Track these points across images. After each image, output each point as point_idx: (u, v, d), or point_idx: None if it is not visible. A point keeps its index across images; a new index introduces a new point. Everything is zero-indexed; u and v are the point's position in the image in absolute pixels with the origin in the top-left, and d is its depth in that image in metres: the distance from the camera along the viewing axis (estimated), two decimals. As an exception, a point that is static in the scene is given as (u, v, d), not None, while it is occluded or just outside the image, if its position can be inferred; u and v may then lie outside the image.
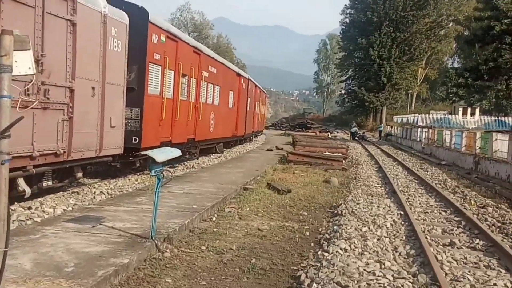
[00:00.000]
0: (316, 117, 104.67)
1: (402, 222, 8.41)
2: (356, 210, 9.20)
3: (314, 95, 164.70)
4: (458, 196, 12.50)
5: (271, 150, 24.60)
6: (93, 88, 8.20)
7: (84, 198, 8.61)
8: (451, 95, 40.47)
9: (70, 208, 7.71)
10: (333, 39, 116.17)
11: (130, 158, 10.70)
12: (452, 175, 18.12)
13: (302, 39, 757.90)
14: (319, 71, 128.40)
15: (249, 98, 25.18)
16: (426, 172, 18.60)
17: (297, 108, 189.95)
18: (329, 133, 53.23)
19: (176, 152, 6.34)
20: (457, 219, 9.12)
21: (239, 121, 22.36)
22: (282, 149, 25.66)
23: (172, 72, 12.36)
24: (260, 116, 33.17)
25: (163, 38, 11.25)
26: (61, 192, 8.87)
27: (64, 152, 7.52)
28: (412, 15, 61.95)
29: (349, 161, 22.00)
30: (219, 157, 19.27)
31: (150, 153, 5.90)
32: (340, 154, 19.58)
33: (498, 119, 54.93)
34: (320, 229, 8.01)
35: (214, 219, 8.12)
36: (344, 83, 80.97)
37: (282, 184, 12.37)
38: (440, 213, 9.84)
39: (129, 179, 11.51)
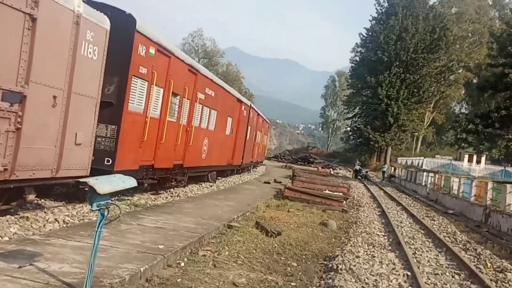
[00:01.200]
0: (320, 152, 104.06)
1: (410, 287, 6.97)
2: (354, 265, 7.76)
3: (320, 130, 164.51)
4: (470, 254, 11.03)
5: (269, 183, 23.24)
6: (54, 97, 6.94)
7: (31, 226, 7.22)
8: (459, 141, 39.12)
9: (7, 238, 6.33)
10: (342, 76, 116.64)
11: (101, 182, 9.34)
12: (461, 227, 16.63)
13: (311, 74, 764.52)
14: (326, 107, 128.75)
15: (249, 127, 23.95)
16: (432, 221, 17.12)
17: (301, 142, 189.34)
18: (331, 169, 51.88)
19: (128, 182, 4.98)
20: (474, 287, 7.66)
21: (236, 150, 21.06)
22: (280, 182, 24.30)
23: (161, 89, 11.15)
24: (261, 147, 31.89)
25: (152, 51, 10.07)
26: (8, 216, 7.50)
27: (6, 169, 6.20)
28: (423, 57, 61.36)
29: (350, 202, 20.57)
30: (210, 186, 17.88)
31: (91, 180, 4.57)
32: (341, 193, 18.17)
33: (505, 169, 53.53)
34: (309, 288, 6.59)
35: (183, 264, 6.71)
36: (350, 120, 79.96)
37: (273, 224, 10.99)
38: (453, 277, 8.38)
39: (99, 205, 10.13)
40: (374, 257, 8.87)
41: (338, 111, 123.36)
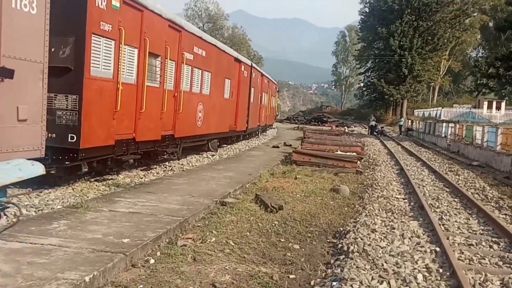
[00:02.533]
0: (334, 111, 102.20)
1: (440, 270, 5.52)
2: (369, 244, 6.33)
3: (333, 88, 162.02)
4: (506, 214, 9.53)
5: (277, 147, 21.78)
6: (-25, 62, 5.50)
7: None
8: (480, 87, 36.93)
9: None
10: (352, 31, 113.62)
11: (67, 162, 7.99)
12: (490, 181, 15.06)
13: (321, 31, 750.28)
14: (338, 64, 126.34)
15: (253, 88, 22.32)
16: (457, 176, 15.56)
17: (315, 102, 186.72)
18: (346, 127, 50.22)
19: (29, 170, 3.57)
20: (520, 260, 6.20)
21: (239, 114, 19.54)
22: (290, 145, 22.84)
23: (135, 50, 9.62)
24: (268, 109, 30.27)
25: (116, 3, 8.49)
26: None
27: None
28: (436, 2, 58.27)
29: (365, 161, 19.06)
30: (212, 156, 16.52)
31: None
32: (354, 153, 16.65)
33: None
34: (311, 282, 5.19)
35: (152, 262, 5.36)
36: (363, 75, 77.54)
37: (275, 196, 9.60)
38: (491, 247, 6.91)
39: (72, 189, 8.84)
40: (394, 229, 7.42)
41: (350, 67, 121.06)
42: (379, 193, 11.12)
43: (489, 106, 58.45)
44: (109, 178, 10.28)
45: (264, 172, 12.41)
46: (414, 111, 65.74)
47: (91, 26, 7.85)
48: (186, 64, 12.49)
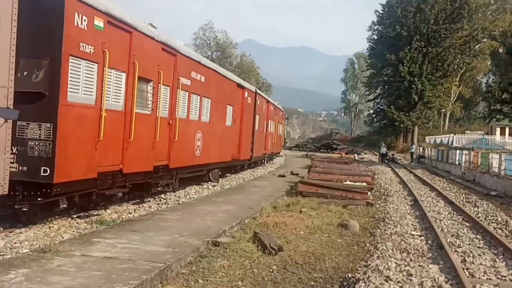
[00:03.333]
0: (344, 138, 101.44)
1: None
2: (383, 298, 5.32)
3: (342, 115, 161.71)
4: (536, 254, 8.44)
5: (283, 176, 20.80)
6: None
7: None
8: (494, 112, 35.89)
9: None
10: (361, 58, 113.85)
11: (39, 198, 7.11)
12: (511, 213, 13.94)
13: (330, 59, 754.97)
14: (347, 91, 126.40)
15: (257, 115, 21.51)
16: (476, 208, 14.46)
17: (325, 129, 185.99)
18: (355, 154, 49.20)
19: None
20: None
21: (243, 142, 18.67)
22: (297, 174, 21.85)
23: (122, 74, 8.84)
24: (275, 137, 29.42)
25: (99, 23, 7.75)
26: None
27: None
28: (445, 28, 57.75)
29: (377, 191, 18.03)
30: (213, 186, 15.60)
31: None
32: (364, 183, 15.65)
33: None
34: None
35: (116, 325, 4.40)
36: (372, 102, 76.69)
37: (276, 233, 8.66)
38: (528, 300, 5.85)
39: (49, 228, 7.94)
40: (411, 276, 6.39)
41: (359, 94, 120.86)
42: (392, 229, 10.08)
43: (502, 133, 57.28)
44: (95, 213, 9.38)
45: (266, 205, 11.43)
46: (425, 138, 64.55)
47: (69, 47, 7.09)
48: (182, 89, 11.70)
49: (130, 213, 9.82)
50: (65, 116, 7.09)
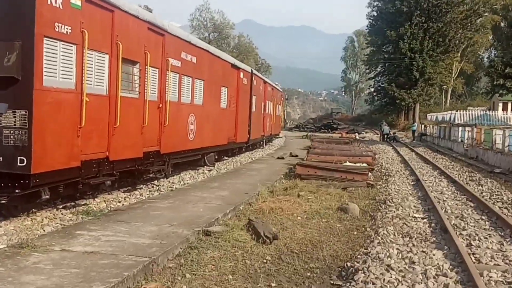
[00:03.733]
0: (345, 117, 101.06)
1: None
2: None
3: (343, 94, 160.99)
4: (545, 234, 8.03)
5: (282, 158, 20.37)
6: None
7: None
8: (497, 87, 35.25)
9: None
10: (360, 36, 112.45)
11: (17, 190, 6.69)
12: (517, 190, 13.52)
13: (329, 38, 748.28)
14: (347, 70, 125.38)
15: (254, 97, 20.97)
16: (480, 187, 14.04)
17: (325, 108, 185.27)
18: (356, 134, 48.73)
19: None
20: None
21: (239, 125, 18.19)
22: (296, 156, 21.43)
23: (105, 56, 8.33)
24: (274, 118, 28.89)
25: (76, 1, 7.20)
26: None
27: None
28: (446, 3, 56.58)
29: (378, 171, 17.62)
30: (209, 171, 15.18)
31: None
32: (364, 164, 15.22)
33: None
34: None
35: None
36: (373, 80, 75.83)
37: (272, 220, 8.26)
38: (539, 287, 5.45)
39: (31, 220, 7.54)
40: (414, 263, 5.99)
41: (359, 72, 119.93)
42: (394, 211, 9.67)
43: (504, 108, 56.68)
44: (82, 203, 8.98)
45: (263, 190, 11.00)
46: (427, 115, 63.95)
47: (42, 27, 6.57)
48: (172, 71, 11.19)
49: (120, 202, 9.41)
50: (41, 102, 6.61)
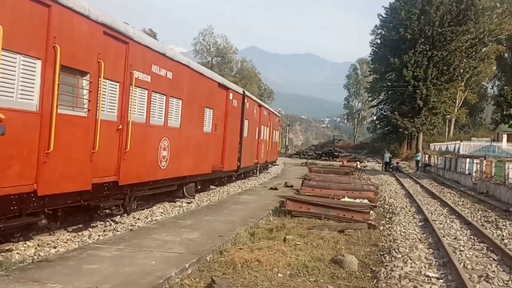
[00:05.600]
0: (346, 145, 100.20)
1: None
2: None
3: (345, 121, 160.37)
4: None
5: (276, 189, 18.46)
6: None
7: None
8: (506, 117, 33.56)
9: None
10: (364, 64, 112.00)
11: None
12: (543, 237, 11.53)
13: (333, 66, 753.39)
14: (349, 97, 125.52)
15: (246, 121, 19.18)
16: (499, 231, 12.09)
17: (328, 135, 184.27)
18: (358, 162, 46.92)
19: None
20: None
21: (227, 151, 16.32)
22: (292, 186, 19.54)
23: (36, 61, 6.55)
24: (270, 144, 27.04)
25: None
26: None
27: None
28: (451, 31, 55.44)
29: (381, 206, 15.74)
30: (188, 204, 13.28)
31: None
32: (366, 200, 13.31)
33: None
34: None
35: None
36: (376, 108, 74.39)
37: (245, 278, 6.33)
38: None
39: None
40: None
41: (362, 100, 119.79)
42: (401, 267, 7.70)
43: (509, 139, 55.14)
44: (6, 248, 7.05)
45: (242, 232, 9.07)
46: (430, 145, 62.25)
47: None
48: (138, 87, 9.42)
49: (56, 247, 7.48)
50: None
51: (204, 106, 13.67)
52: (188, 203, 13.35)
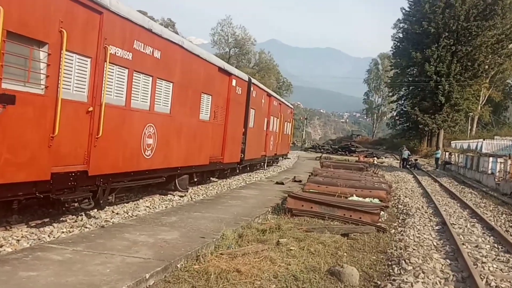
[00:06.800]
0: (365, 140, 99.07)
1: None
2: None
3: (364, 117, 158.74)
4: None
5: (282, 184, 17.25)
6: None
7: None
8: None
9: None
10: (385, 59, 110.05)
11: None
12: None
13: (354, 61, 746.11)
14: (370, 92, 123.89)
15: (252, 110, 17.93)
16: (527, 239, 10.67)
17: (346, 130, 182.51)
18: (375, 158, 45.37)
19: None
20: None
21: (228, 142, 15.10)
22: (300, 181, 18.31)
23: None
24: (280, 136, 25.74)
25: None
26: None
27: None
28: (476, 25, 53.13)
29: (394, 206, 14.44)
30: (181, 197, 12.16)
31: None
32: (376, 199, 12.00)
33: None
34: None
35: None
36: (396, 103, 72.32)
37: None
38: None
39: None
40: None
41: (382, 95, 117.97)
42: (411, 282, 6.43)
43: (533, 139, 52.86)
44: None
45: (229, 233, 7.89)
46: (451, 142, 60.27)
47: None
48: (115, 64, 8.27)
49: (2, 246, 6.40)
50: None
51: (201, 91, 12.46)
52: (181, 196, 12.23)
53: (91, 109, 7.69)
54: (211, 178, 16.02)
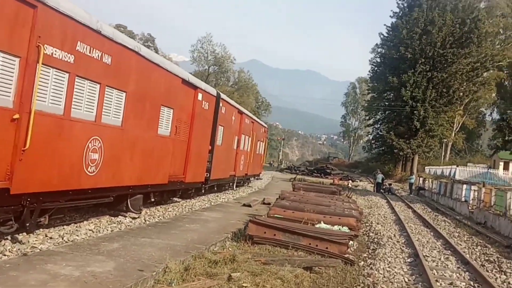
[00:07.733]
0: (341, 163, 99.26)
1: None
2: None
3: (342, 140, 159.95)
4: None
5: (249, 206, 16.28)
6: None
7: None
8: (509, 143, 31.63)
9: None
10: (362, 83, 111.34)
11: None
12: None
13: (333, 84, 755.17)
14: (347, 115, 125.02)
15: (221, 127, 16.94)
16: (503, 275, 9.98)
17: (324, 152, 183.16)
18: (350, 181, 44.88)
19: None
20: None
21: (192, 160, 14.06)
22: (270, 204, 17.31)
23: None
24: (252, 156, 24.78)
25: None
26: None
27: None
28: (452, 53, 53.85)
29: (365, 234, 13.61)
30: (133, 219, 11.05)
31: None
32: (345, 227, 11.11)
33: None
34: None
35: None
36: (372, 127, 72.55)
37: None
38: None
39: None
40: None
41: (359, 119, 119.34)
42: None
43: (505, 167, 53.25)
44: None
45: (174, 265, 6.84)
46: (425, 168, 60.40)
47: None
48: (52, 67, 7.24)
49: None
50: None
51: (161, 104, 11.44)
52: (133, 218, 11.11)
53: (17, 116, 6.62)
54: (172, 198, 14.93)
